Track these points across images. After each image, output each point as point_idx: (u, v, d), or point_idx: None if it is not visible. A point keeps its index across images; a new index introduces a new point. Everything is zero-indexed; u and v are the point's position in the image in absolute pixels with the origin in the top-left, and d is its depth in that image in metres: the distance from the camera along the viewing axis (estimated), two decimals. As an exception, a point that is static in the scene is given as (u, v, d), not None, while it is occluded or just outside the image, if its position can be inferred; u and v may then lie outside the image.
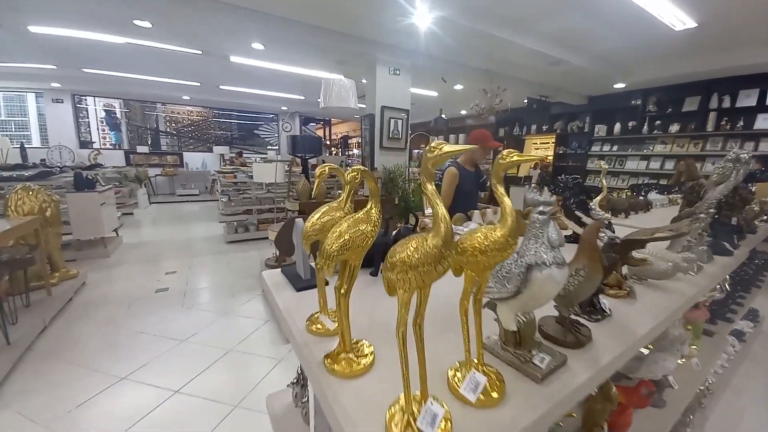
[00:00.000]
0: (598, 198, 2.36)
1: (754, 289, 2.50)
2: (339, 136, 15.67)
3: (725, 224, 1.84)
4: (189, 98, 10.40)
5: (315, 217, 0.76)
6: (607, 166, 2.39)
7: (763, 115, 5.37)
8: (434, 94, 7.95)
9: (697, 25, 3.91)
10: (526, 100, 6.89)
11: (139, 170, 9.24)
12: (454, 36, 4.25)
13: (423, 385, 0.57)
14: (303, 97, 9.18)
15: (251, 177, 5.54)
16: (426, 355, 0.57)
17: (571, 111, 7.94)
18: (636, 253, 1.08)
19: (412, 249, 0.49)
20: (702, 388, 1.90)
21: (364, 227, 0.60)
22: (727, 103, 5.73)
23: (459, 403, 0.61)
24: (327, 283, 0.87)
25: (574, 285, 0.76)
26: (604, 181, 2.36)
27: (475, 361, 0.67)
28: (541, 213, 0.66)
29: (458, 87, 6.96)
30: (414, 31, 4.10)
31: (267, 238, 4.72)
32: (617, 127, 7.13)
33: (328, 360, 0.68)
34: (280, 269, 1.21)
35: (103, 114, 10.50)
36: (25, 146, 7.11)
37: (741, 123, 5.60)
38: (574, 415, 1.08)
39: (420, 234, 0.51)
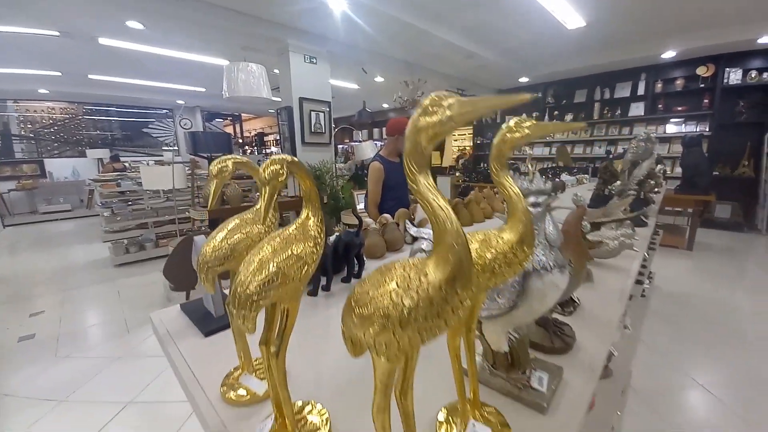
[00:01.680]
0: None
1: (650, 252, 2.93)
2: (253, 134, 14.51)
3: (636, 198, 2.06)
4: (47, 92, 8.44)
5: (219, 236, 0.51)
6: (531, 153, 2.53)
7: (635, 103, 6.48)
8: (355, 86, 7.81)
9: (586, 24, 4.47)
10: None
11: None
12: (371, 23, 4.13)
13: None
14: (203, 89, 8.18)
15: (140, 184, 4.65)
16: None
17: (484, 103, 8.58)
18: (591, 236, 1.06)
19: (399, 289, 0.29)
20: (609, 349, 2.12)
21: (299, 249, 0.38)
22: (607, 95, 6.79)
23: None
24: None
25: (560, 282, 0.66)
26: (530, 166, 2.48)
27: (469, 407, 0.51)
28: (534, 205, 0.53)
29: (379, 79, 6.93)
30: (328, 14, 3.86)
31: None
32: (524, 117, 7.93)
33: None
34: (179, 306, 0.90)
35: None
36: None
37: (618, 111, 6.69)
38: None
39: (406, 260, 0.32)
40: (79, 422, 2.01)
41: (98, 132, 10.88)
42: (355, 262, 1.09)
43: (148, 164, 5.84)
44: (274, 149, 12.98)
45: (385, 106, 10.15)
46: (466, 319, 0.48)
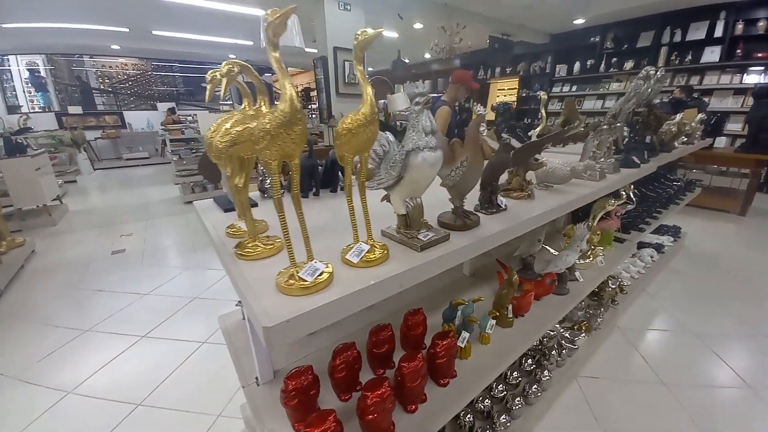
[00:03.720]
0: (538, 129, 2.51)
1: (672, 206, 2.86)
2: (300, 88, 14.83)
3: (640, 142, 2.06)
4: (119, 48, 9.35)
5: (225, 126, 0.77)
6: (546, 96, 2.51)
7: (710, 48, 5.65)
8: (394, 35, 7.62)
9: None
10: (488, 41, 6.77)
11: (74, 133, 8.48)
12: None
13: (308, 248, 0.70)
14: (251, 43, 8.51)
15: (199, 132, 5.28)
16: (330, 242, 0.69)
17: (533, 51, 7.94)
18: (534, 160, 1.23)
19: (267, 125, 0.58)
20: (613, 287, 2.25)
21: (253, 124, 0.67)
22: (678, 37, 5.95)
23: (348, 266, 0.75)
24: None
25: (459, 175, 0.90)
26: (543, 111, 2.51)
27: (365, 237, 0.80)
28: (416, 104, 0.76)
29: (418, 26, 6.70)
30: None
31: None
32: (577, 66, 7.27)
33: (237, 248, 0.79)
34: (212, 198, 1.28)
35: (27, 74, 9.33)
36: None
37: (689, 57, 5.89)
38: (482, 298, 1.30)
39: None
40: (158, 309, 2.68)
41: (165, 87, 11.92)
42: (341, 176, 1.40)
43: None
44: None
45: (427, 56, 9.76)
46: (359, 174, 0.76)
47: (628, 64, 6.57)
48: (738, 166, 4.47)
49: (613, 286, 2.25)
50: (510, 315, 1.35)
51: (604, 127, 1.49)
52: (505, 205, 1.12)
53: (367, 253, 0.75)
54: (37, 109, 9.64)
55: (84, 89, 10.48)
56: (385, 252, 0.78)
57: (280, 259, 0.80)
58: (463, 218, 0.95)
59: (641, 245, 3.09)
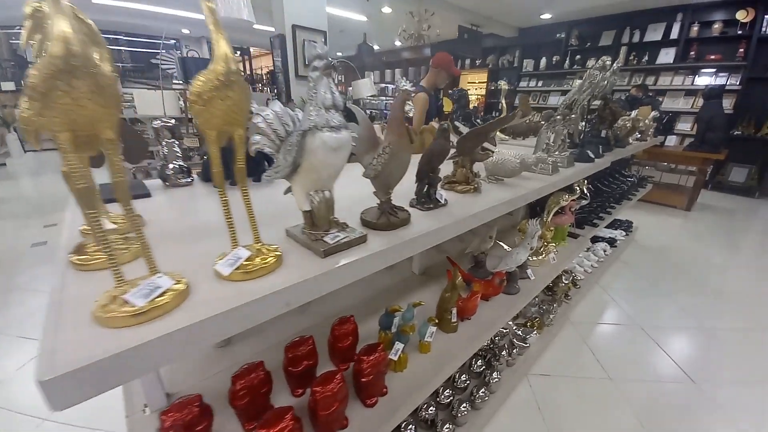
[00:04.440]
0: (519, 120, 2.40)
1: (625, 202, 2.90)
2: (265, 71, 14.07)
3: (595, 136, 2.02)
4: (56, 14, 8.31)
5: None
6: (506, 86, 2.42)
7: (665, 49, 5.87)
8: (362, 18, 7.32)
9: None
10: (458, 31, 6.65)
11: (4, 111, 7.52)
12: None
13: (148, 258, 0.52)
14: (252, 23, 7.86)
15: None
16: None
17: (502, 44, 7.95)
18: (481, 150, 1.10)
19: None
20: (566, 282, 2.23)
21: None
22: (637, 38, 6.14)
23: (219, 280, 0.57)
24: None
25: (381, 164, 0.74)
26: (504, 101, 2.41)
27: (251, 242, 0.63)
28: (314, 69, 0.59)
29: (386, 10, 6.45)
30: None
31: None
32: (543, 61, 7.35)
33: (74, 254, 0.59)
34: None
35: None
36: None
37: (646, 57, 6.10)
38: (423, 302, 1.17)
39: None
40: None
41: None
42: (266, 164, 1.21)
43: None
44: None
45: (398, 44, 9.53)
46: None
47: (591, 62, 6.72)
48: (686, 164, 4.69)
49: (567, 281, 2.23)
50: (454, 320, 1.23)
51: (557, 117, 1.39)
52: (445, 200, 0.98)
53: (246, 261, 0.58)
54: (-32, 86, 8.46)
55: (20, 64, 9.30)
56: (276, 259, 0.61)
57: (136, 267, 0.61)
58: (388, 215, 0.80)
59: (595, 239, 3.13)
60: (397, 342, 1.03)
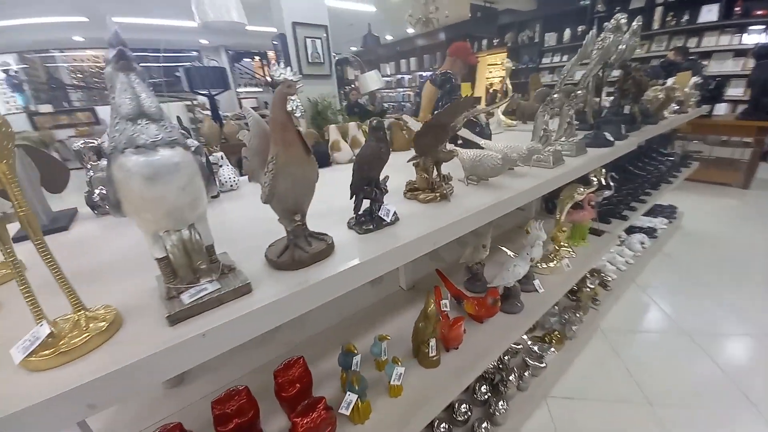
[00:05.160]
0: (503, 103, 2.12)
1: (664, 185, 2.48)
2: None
3: (618, 113, 1.68)
4: (83, 39, 8.82)
5: None
6: (510, 64, 2.11)
7: (706, 6, 5.11)
8: (371, 9, 7.05)
9: None
10: (470, 13, 6.20)
11: (41, 133, 8.07)
12: None
13: None
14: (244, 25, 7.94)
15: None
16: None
17: (520, 20, 7.35)
18: (446, 147, 0.87)
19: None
20: (592, 286, 1.91)
21: None
22: (674, -5, 5.40)
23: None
24: None
25: (268, 182, 0.54)
26: (509, 82, 2.12)
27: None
28: (106, 62, 0.40)
29: (393, -3, 6.14)
30: None
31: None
32: (567, 33, 6.71)
33: None
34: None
35: (2, 75, 8.89)
36: None
37: (686, 17, 5.35)
38: (388, 336, 0.97)
39: None
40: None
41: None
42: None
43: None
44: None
45: (411, 31, 9.14)
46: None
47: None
48: (740, 135, 4.04)
49: (592, 286, 1.91)
50: (433, 353, 1.01)
51: (555, 96, 1.11)
52: (395, 217, 0.76)
53: (46, 340, 0.41)
54: (14, 110, 9.25)
55: (56, 86, 10.01)
56: (100, 333, 0.43)
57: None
58: (294, 248, 0.60)
59: (631, 230, 2.73)
60: (348, 393, 0.83)
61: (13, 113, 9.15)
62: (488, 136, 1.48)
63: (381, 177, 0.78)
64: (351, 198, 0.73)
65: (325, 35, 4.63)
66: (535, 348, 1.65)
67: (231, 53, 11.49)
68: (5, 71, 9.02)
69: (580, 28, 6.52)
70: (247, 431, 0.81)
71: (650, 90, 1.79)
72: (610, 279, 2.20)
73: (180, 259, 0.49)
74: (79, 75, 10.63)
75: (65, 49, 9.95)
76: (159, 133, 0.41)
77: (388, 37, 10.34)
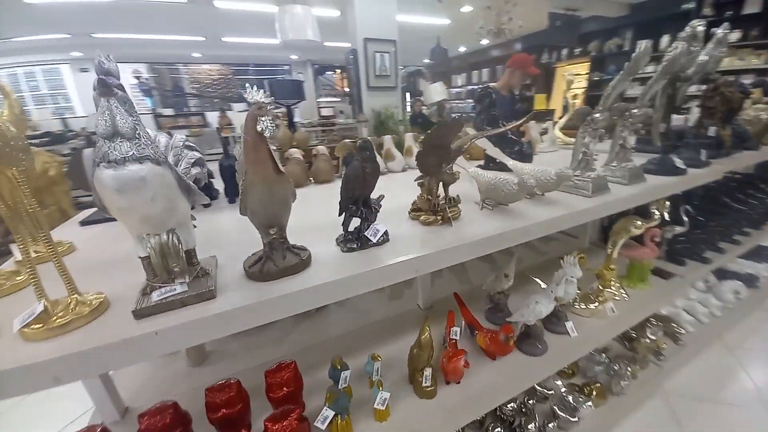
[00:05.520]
0: (563, 119, 1.94)
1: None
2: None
3: (701, 136, 1.40)
4: (200, 55, 10.39)
5: None
6: (571, 78, 1.91)
7: None
8: (445, 21, 7.03)
9: None
10: (548, 22, 5.75)
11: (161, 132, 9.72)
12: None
13: None
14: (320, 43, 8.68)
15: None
16: None
17: (608, 27, 6.59)
18: (451, 169, 0.81)
19: None
20: (653, 337, 1.60)
21: None
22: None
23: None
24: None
25: (240, 196, 0.56)
26: (569, 96, 1.94)
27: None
28: (93, 88, 0.46)
29: (466, 9, 6.03)
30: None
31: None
32: (665, 41, 5.82)
33: None
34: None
35: (135, 81, 11.03)
36: (68, 117, 7.74)
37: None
38: (379, 357, 0.93)
39: None
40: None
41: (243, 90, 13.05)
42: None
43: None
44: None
45: (484, 42, 8.85)
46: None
47: (734, 35, 5.01)
48: None
49: (654, 337, 1.60)
50: (427, 383, 0.95)
51: (597, 116, 0.96)
52: (383, 238, 0.73)
53: (41, 315, 0.49)
54: (144, 111, 11.34)
55: (178, 93, 12.01)
56: (83, 316, 0.50)
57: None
58: (265, 261, 0.61)
59: (723, 275, 2.23)
60: (326, 408, 0.82)
61: (143, 113, 11.13)
62: (528, 156, 1.35)
63: (376, 195, 0.77)
64: (339, 215, 0.73)
65: (393, 49, 4.74)
66: (569, 398, 1.43)
67: (316, 67, 12.46)
68: (138, 77, 11.03)
69: (689, 29, 5.61)
70: (234, 422, 0.86)
71: (751, 108, 1.44)
72: (683, 332, 1.82)
73: (157, 260, 0.54)
74: (196, 85, 12.57)
75: (187, 63, 11.87)
76: (130, 150, 0.46)
77: (461, 49, 10.17)
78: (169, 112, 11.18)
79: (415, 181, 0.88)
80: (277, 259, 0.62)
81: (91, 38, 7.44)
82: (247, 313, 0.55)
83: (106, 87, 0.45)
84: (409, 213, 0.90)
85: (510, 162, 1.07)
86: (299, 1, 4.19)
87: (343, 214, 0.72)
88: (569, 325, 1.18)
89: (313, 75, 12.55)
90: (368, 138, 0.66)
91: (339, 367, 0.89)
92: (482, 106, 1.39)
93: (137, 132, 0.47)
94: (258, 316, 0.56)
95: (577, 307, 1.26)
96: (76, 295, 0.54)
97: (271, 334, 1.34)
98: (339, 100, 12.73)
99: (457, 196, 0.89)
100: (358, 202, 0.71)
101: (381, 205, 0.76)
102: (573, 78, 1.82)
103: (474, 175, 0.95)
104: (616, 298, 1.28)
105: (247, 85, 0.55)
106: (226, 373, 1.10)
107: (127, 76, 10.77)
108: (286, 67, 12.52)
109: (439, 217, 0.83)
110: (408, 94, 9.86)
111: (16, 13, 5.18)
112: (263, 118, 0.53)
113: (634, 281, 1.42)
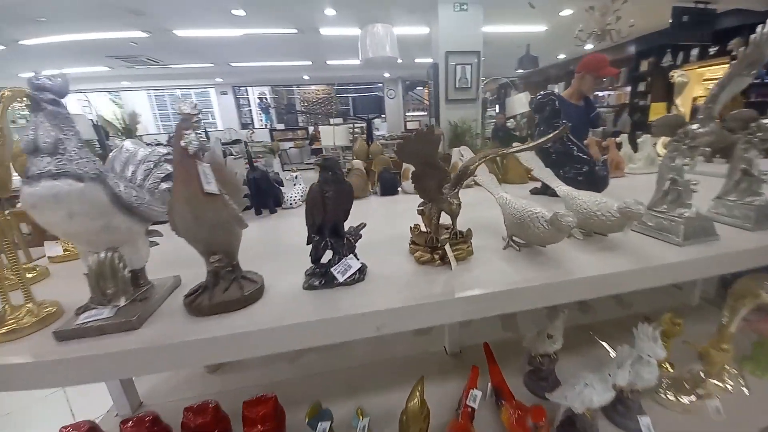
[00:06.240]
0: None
1: None
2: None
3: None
4: (308, 77, 11.61)
5: None
6: (683, 78, 1.42)
7: None
8: (542, 28, 6.37)
9: None
10: (670, 20, 4.63)
11: (273, 143, 11.14)
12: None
13: None
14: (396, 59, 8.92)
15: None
16: None
17: (753, 21, 5.00)
18: (455, 197, 0.62)
19: None
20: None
21: None
22: None
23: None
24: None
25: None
26: (679, 103, 1.49)
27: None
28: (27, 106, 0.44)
29: (566, 12, 5.35)
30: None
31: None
32: None
33: None
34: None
35: (258, 101, 13.06)
36: (208, 131, 9.59)
37: None
38: (362, 415, 0.76)
39: None
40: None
41: (344, 106, 14.18)
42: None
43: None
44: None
45: (589, 47, 7.70)
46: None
47: None
48: None
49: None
50: (421, 455, 0.75)
51: (695, 127, 0.62)
52: (355, 276, 0.59)
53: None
54: (261, 126, 13.28)
55: (291, 111, 13.73)
56: (26, 327, 0.50)
57: None
58: (203, 292, 0.53)
59: None
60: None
61: (261, 128, 12.99)
62: (602, 180, 1.02)
63: (356, 224, 0.63)
64: (307, 245, 0.61)
65: (475, 60, 4.46)
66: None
67: (407, 83, 12.75)
68: (260, 98, 12.94)
69: None
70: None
71: None
72: None
73: (91, 279, 0.51)
74: (305, 104, 14.18)
75: (300, 85, 13.45)
76: (48, 165, 0.43)
77: (561, 56, 9.12)
78: (281, 126, 12.79)
79: (418, 207, 0.71)
80: (217, 291, 0.53)
81: (229, 66, 8.97)
82: (162, 355, 0.47)
83: (34, 102, 0.43)
84: (410, 245, 0.73)
85: (560, 187, 0.80)
86: (382, 21, 4.26)
87: (310, 244, 0.60)
88: (645, 421, 0.82)
89: (403, 91, 12.85)
90: (330, 156, 0.53)
91: (317, 412, 0.76)
92: (542, 116, 1.11)
93: (61, 147, 0.44)
94: (175, 360, 0.48)
95: (663, 396, 0.88)
96: (30, 304, 0.54)
97: (288, 353, 1.29)
98: (425, 114, 12.78)
99: (468, 230, 0.68)
100: (323, 231, 0.58)
101: (360, 236, 0.62)
102: (687, 80, 1.36)
103: (500, 203, 0.73)
104: (729, 390, 0.85)
105: (178, 93, 0.48)
106: (236, 384, 1.09)
107: (254, 97, 12.76)
108: (379, 85, 13.12)
109: (437, 256, 0.64)
110: (498, 107, 9.24)
111: (172, 45, 6.47)
112: (187, 132, 0.45)
113: (762, 369, 0.94)
